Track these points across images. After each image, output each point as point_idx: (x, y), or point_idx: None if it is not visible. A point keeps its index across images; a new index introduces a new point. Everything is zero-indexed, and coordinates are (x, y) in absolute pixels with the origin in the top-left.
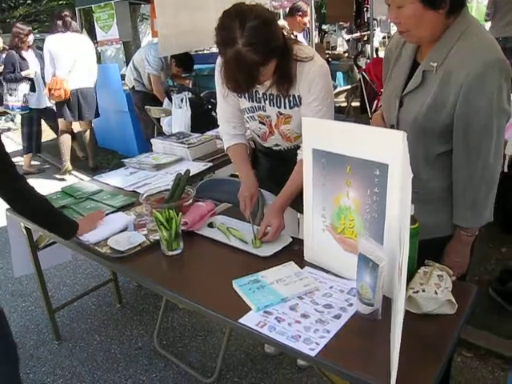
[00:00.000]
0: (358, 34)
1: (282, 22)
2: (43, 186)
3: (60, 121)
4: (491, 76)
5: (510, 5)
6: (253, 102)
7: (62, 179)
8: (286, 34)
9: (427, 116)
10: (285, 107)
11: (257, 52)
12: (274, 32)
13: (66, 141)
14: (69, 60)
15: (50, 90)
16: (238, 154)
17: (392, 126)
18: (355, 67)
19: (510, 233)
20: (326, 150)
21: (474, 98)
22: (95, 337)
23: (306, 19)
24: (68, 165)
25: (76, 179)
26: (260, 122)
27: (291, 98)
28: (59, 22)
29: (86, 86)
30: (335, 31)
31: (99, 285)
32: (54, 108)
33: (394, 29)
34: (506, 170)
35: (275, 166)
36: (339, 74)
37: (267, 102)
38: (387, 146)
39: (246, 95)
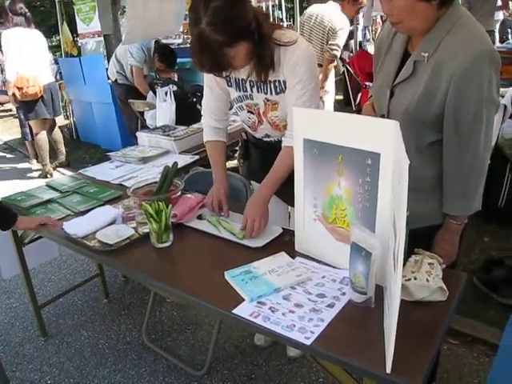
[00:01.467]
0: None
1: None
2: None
3: (33, 122)
4: (481, 67)
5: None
6: (240, 91)
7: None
8: (264, 18)
9: (418, 106)
10: (271, 93)
11: (219, 32)
12: (241, 12)
13: (43, 142)
14: (34, 55)
15: (19, 88)
16: (215, 151)
17: (382, 116)
18: (339, 60)
19: (493, 223)
20: (318, 139)
21: (465, 89)
22: (82, 332)
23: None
24: (49, 167)
25: (58, 174)
26: (249, 111)
27: (277, 84)
28: (19, 18)
29: (53, 81)
30: None
31: (85, 280)
32: (14, 109)
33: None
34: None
35: (266, 157)
36: None
37: (254, 88)
38: (379, 135)
39: (234, 84)
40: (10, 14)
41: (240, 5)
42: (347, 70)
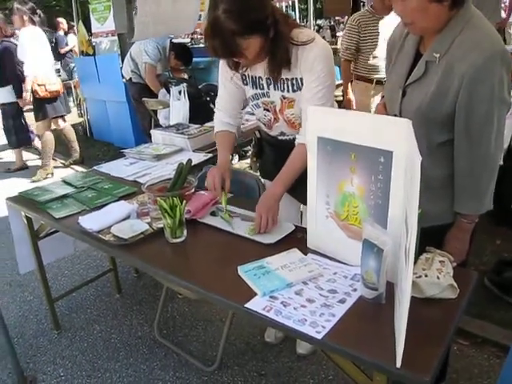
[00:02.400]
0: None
1: None
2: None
3: (41, 123)
4: (493, 67)
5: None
6: (256, 88)
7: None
8: (283, 16)
9: (430, 105)
10: (288, 91)
11: (234, 20)
12: (258, 5)
13: (51, 142)
14: (49, 54)
15: (41, 85)
16: (223, 139)
17: (394, 116)
18: None
19: (505, 225)
20: (331, 137)
21: (476, 89)
22: (95, 326)
23: None
24: (51, 167)
25: (72, 171)
26: (265, 109)
27: (294, 81)
28: (36, 17)
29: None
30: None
31: (98, 275)
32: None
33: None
34: (501, 162)
35: (280, 155)
36: (336, 69)
37: (271, 86)
38: (392, 134)
39: (250, 82)
40: (29, 13)
41: None
42: None
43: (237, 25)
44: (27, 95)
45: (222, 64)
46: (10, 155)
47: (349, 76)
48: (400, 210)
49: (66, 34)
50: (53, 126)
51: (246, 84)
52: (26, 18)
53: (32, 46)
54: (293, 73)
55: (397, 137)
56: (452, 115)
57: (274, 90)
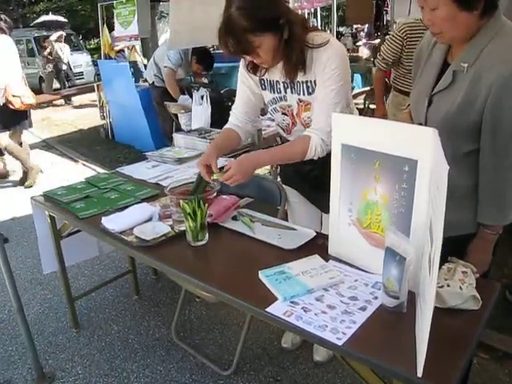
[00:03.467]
0: (373, 42)
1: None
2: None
3: (11, 133)
4: None
5: None
6: (274, 92)
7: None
8: (299, 19)
9: (456, 115)
10: (303, 94)
11: (246, 17)
12: (270, 4)
13: (15, 146)
14: (17, 63)
15: (16, 96)
16: (223, 133)
17: (420, 124)
18: (374, 69)
19: None
20: (355, 145)
21: (504, 99)
22: (113, 326)
23: None
24: (36, 165)
25: (93, 172)
26: (283, 114)
27: (309, 84)
28: (2, 23)
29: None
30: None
31: (117, 276)
32: None
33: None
34: None
35: (301, 162)
36: (357, 76)
37: (288, 90)
38: (417, 142)
39: (269, 86)
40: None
41: None
42: None
43: (248, 21)
44: None
45: (241, 69)
46: None
47: (381, 88)
48: (423, 218)
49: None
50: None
51: (265, 89)
52: None
53: (2, 55)
54: (308, 75)
55: (422, 146)
56: (478, 125)
57: (291, 93)
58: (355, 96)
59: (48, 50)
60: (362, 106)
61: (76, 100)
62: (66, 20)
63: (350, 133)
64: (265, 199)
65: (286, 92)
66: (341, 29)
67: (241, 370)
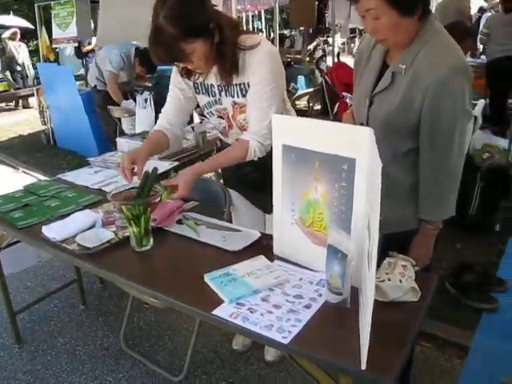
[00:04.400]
0: (314, 43)
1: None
2: None
3: None
4: (456, 79)
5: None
6: (209, 96)
7: None
8: (229, 22)
9: (396, 115)
10: (238, 96)
11: (174, 25)
12: (197, 10)
13: None
14: None
15: None
16: (152, 135)
17: (361, 124)
18: (317, 71)
19: (464, 230)
20: (296, 145)
21: (440, 100)
22: (59, 339)
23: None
24: None
25: (34, 179)
26: (218, 117)
27: (242, 86)
28: None
29: None
30: (296, 36)
31: (62, 286)
32: None
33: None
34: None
35: (240, 164)
36: (301, 78)
37: (222, 93)
38: (354, 142)
39: (204, 90)
40: None
41: (197, 3)
42: (325, 80)
43: (177, 29)
44: None
45: (174, 73)
46: None
47: None
48: (363, 216)
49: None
50: None
51: (199, 92)
52: None
53: None
54: (241, 78)
55: (359, 145)
56: (417, 125)
57: (226, 96)
58: (299, 97)
59: None
60: (306, 108)
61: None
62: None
63: (291, 134)
64: (210, 202)
65: (220, 95)
66: (285, 31)
67: (192, 375)
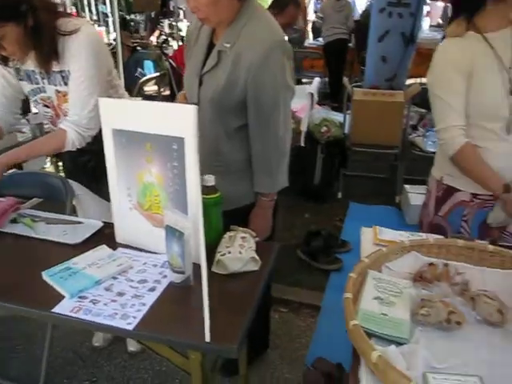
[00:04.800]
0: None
1: None
2: None
3: None
4: (275, 56)
5: None
6: (32, 83)
7: None
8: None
9: (223, 93)
10: (60, 84)
11: None
12: None
13: None
14: None
15: None
16: None
17: (194, 104)
18: (163, 55)
19: (311, 200)
20: (126, 129)
21: (261, 76)
22: None
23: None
24: None
25: None
26: (44, 105)
27: (63, 74)
28: None
29: None
30: (143, 21)
31: None
32: None
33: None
34: (302, 144)
35: (76, 154)
36: (148, 63)
37: (45, 80)
38: (181, 121)
39: (26, 77)
40: None
41: None
42: (170, 64)
43: None
44: None
45: None
46: None
47: None
48: (197, 193)
49: None
50: None
51: (22, 79)
52: None
53: None
54: (62, 65)
55: (186, 123)
56: (244, 102)
57: (49, 84)
58: (147, 82)
59: None
60: (156, 94)
61: None
62: None
63: (120, 117)
64: (51, 196)
65: (43, 83)
66: (132, 16)
67: (52, 382)
